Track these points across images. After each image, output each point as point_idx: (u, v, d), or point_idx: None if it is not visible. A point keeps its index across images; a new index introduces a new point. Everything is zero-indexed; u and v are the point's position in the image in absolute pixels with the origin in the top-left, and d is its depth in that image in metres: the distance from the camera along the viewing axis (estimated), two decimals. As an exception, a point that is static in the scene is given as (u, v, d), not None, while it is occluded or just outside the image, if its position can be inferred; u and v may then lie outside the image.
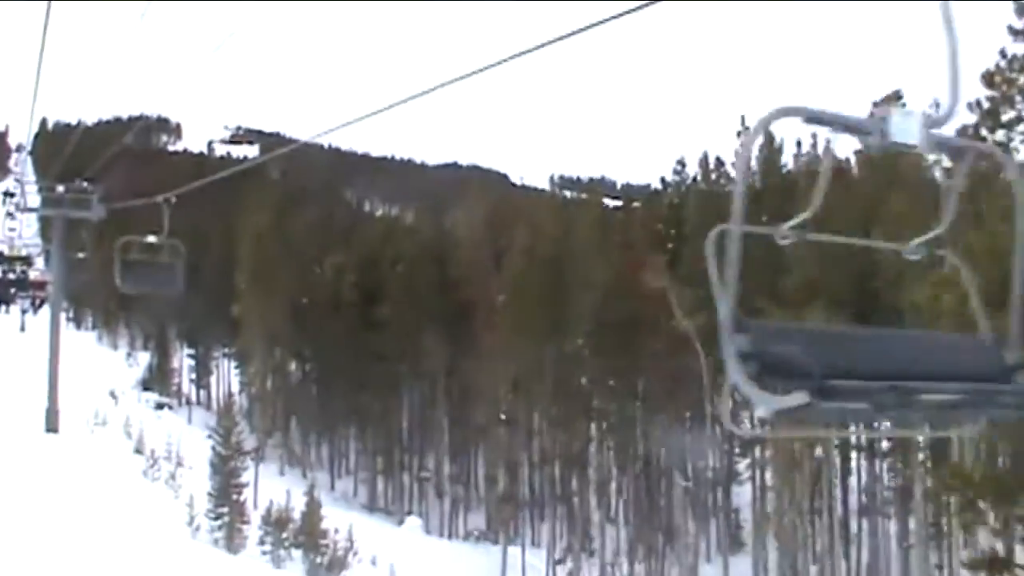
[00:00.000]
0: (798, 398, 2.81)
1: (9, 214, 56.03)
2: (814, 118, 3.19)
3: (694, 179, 55.26)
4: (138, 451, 53.35)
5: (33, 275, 46.66)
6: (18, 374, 62.37)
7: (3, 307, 49.57)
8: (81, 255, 44.59)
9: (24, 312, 50.89)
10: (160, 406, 78.64)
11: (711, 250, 3.26)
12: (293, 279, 69.60)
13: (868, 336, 3.61)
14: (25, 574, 20.13)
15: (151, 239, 16.13)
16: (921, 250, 3.69)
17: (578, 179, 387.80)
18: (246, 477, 34.78)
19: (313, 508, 35.07)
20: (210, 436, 35.69)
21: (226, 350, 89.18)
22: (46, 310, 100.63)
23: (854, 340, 3.44)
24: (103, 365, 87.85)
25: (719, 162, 52.15)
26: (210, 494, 33.72)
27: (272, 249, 69.81)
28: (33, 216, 62.49)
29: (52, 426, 48.16)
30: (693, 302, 37.93)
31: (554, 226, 51.56)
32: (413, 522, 58.55)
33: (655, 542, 45.73)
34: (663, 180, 60.40)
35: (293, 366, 74.86)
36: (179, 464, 52.44)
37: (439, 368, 63.76)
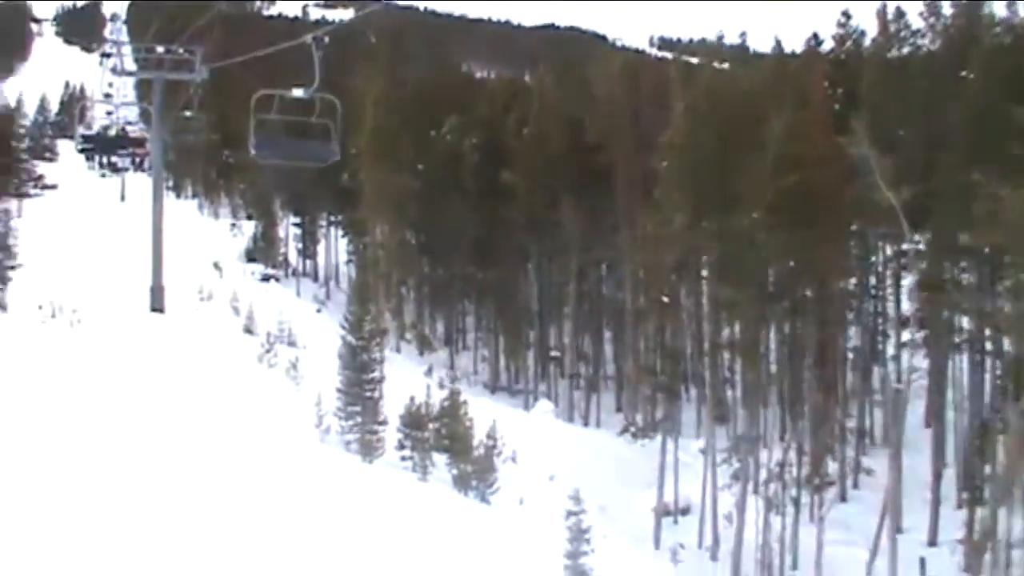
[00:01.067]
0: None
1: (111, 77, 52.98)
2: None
3: (862, 33, 48.70)
4: (248, 330, 49.46)
5: (132, 132, 44.06)
6: (121, 247, 59.93)
7: (105, 164, 46.08)
8: (187, 113, 41.11)
9: (124, 170, 48.40)
10: (266, 278, 74.76)
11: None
12: (408, 144, 64.34)
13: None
14: (143, 478, 18.23)
15: (298, 92, 12.63)
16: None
17: (679, 40, 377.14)
18: (379, 371, 29.82)
19: (456, 404, 30.29)
20: (341, 324, 30.65)
21: (333, 219, 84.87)
22: (146, 178, 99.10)
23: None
24: (206, 236, 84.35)
25: (899, 13, 45.10)
26: (339, 390, 28.94)
27: (384, 112, 64.49)
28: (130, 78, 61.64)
29: (158, 305, 44.67)
30: (895, 171, 32.20)
31: (712, 84, 44.89)
32: (544, 406, 53.87)
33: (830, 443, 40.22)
34: (814, 37, 53.11)
35: (410, 236, 69.95)
36: (292, 345, 48.70)
37: (572, 241, 58.38)
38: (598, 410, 58.93)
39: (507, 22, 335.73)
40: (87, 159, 51.19)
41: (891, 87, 40.99)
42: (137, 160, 46.26)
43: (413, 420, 28.58)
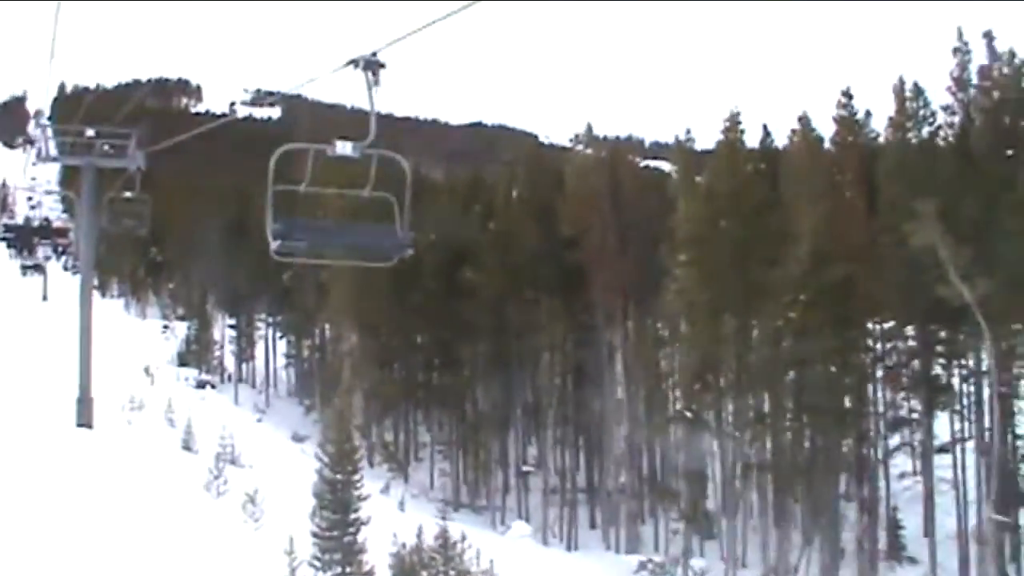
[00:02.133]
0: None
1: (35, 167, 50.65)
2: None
3: (867, 115, 45.07)
4: (187, 447, 44.15)
5: (55, 222, 40.04)
6: (43, 353, 54.95)
7: (25, 253, 47.05)
8: (128, 195, 37.13)
9: (47, 259, 48.62)
10: (202, 384, 69.17)
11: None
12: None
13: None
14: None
15: (344, 149, 10.08)
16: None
17: (604, 138, 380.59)
18: (365, 509, 24.69)
19: (448, 545, 25.22)
20: (317, 456, 25.56)
21: (271, 319, 79.70)
22: (70, 277, 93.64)
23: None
24: (134, 337, 78.31)
25: (917, 90, 41.45)
26: (317, 535, 23.73)
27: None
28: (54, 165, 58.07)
29: (85, 420, 38.93)
30: (969, 261, 28.22)
31: (734, 169, 40.47)
32: (521, 528, 48.60)
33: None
34: (802, 121, 49.66)
35: (355, 338, 64.82)
36: (235, 463, 43.57)
37: (545, 344, 53.77)
38: (575, 528, 53.80)
39: (435, 120, 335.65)
40: (8, 247, 47.55)
41: (925, 172, 37.08)
42: (59, 249, 43.29)
43: (406, 572, 23.44)
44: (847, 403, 36.86)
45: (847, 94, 44.92)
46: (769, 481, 41.74)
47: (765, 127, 50.15)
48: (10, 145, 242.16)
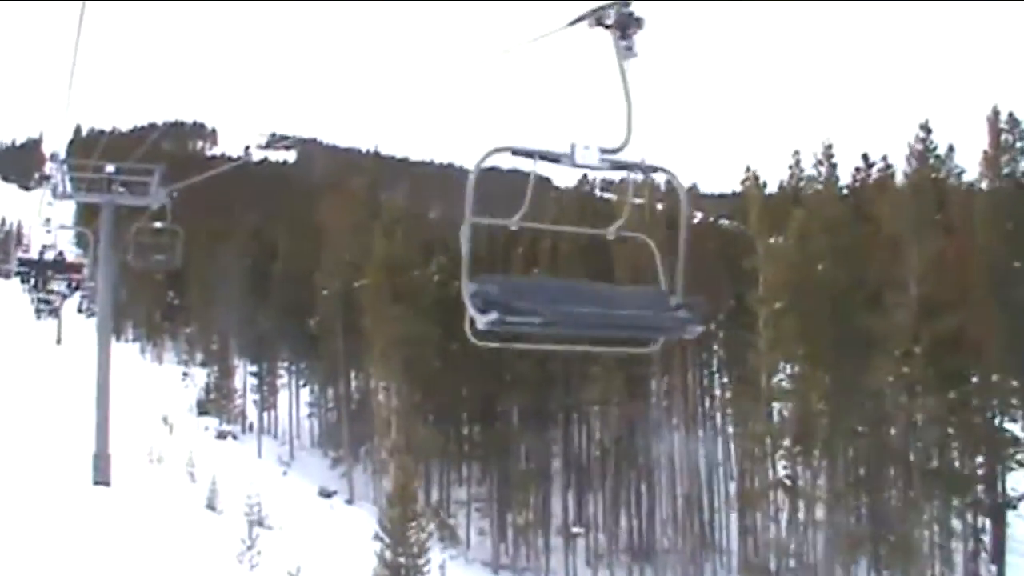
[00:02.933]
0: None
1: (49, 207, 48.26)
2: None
3: (950, 150, 41.52)
4: (211, 506, 40.92)
5: (69, 257, 42.33)
6: (57, 402, 52.22)
7: (39, 287, 44.93)
8: (157, 225, 34.55)
9: (61, 296, 47.07)
10: (223, 435, 65.71)
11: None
12: (391, 287, 56.34)
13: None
14: None
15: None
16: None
17: (611, 183, 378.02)
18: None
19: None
20: (378, 536, 22.04)
21: (293, 367, 76.25)
22: (84, 320, 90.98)
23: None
24: (151, 384, 75.19)
25: (1013, 120, 38.00)
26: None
27: (391, 247, 57.13)
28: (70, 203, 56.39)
29: (102, 477, 35.65)
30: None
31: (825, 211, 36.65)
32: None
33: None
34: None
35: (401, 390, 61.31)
36: (262, 524, 40.51)
37: (594, 396, 50.16)
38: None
39: (450, 164, 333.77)
40: (22, 281, 46.70)
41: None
42: (73, 285, 43.28)
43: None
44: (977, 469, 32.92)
45: (925, 128, 41.60)
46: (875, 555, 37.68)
47: (866, 157, 46.10)
48: (26, 187, 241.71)
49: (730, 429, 51.82)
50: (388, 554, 21.34)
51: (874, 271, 31.62)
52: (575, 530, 52.87)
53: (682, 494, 48.84)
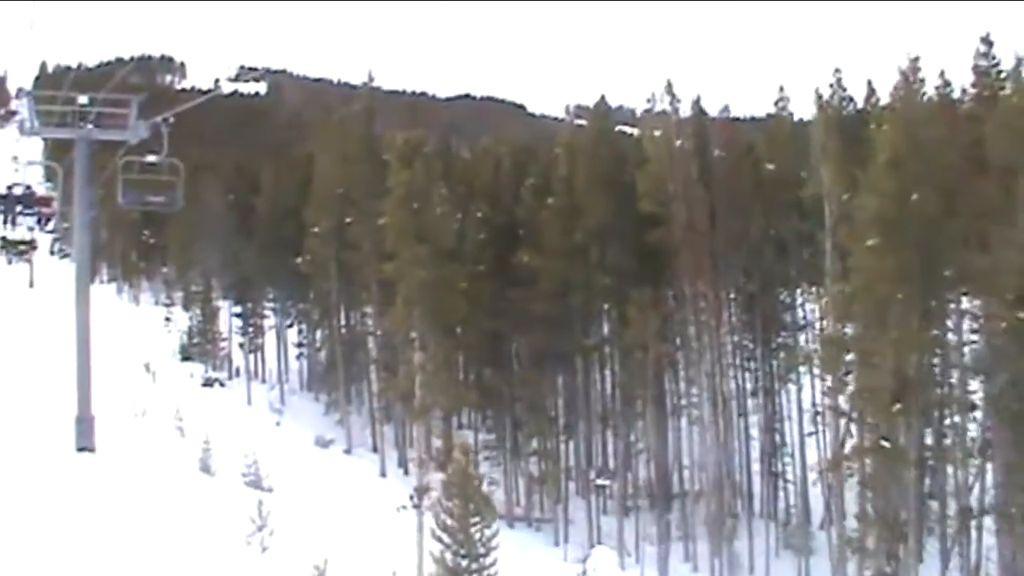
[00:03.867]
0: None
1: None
2: None
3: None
4: (206, 468, 37.48)
5: (39, 192, 41.45)
6: (32, 351, 47.66)
7: (9, 224, 42.93)
8: (151, 158, 30.90)
9: (30, 229, 45.66)
10: (210, 382, 61.94)
11: None
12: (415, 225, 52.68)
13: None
14: None
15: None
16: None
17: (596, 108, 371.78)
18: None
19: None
20: (435, 535, 18.33)
21: (276, 307, 72.20)
22: (57, 261, 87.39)
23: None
24: (128, 327, 70.96)
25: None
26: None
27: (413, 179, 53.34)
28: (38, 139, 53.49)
29: (86, 443, 31.81)
30: None
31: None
32: (605, 555, 41.12)
33: None
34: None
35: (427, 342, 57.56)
36: (260, 486, 37.40)
37: (615, 336, 46.63)
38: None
39: (423, 93, 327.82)
40: None
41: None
42: (42, 220, 41.12)
43: None
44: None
45: (987, 41, 37.92)
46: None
47: (943, 75, 41.82)
48: None
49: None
50: (450, 557, 17.71)
51: (978, 203, 28.00)
52: (600, 481, 49.37)
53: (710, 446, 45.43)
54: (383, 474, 52.77)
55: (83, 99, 32.71)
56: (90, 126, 28.99)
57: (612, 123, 57.19)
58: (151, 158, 21.53)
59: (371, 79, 56.85)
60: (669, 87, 44.76)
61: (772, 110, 50.01)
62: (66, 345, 38.59)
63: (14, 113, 43.33)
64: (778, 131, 47.32)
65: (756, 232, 45.38)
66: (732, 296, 50.26)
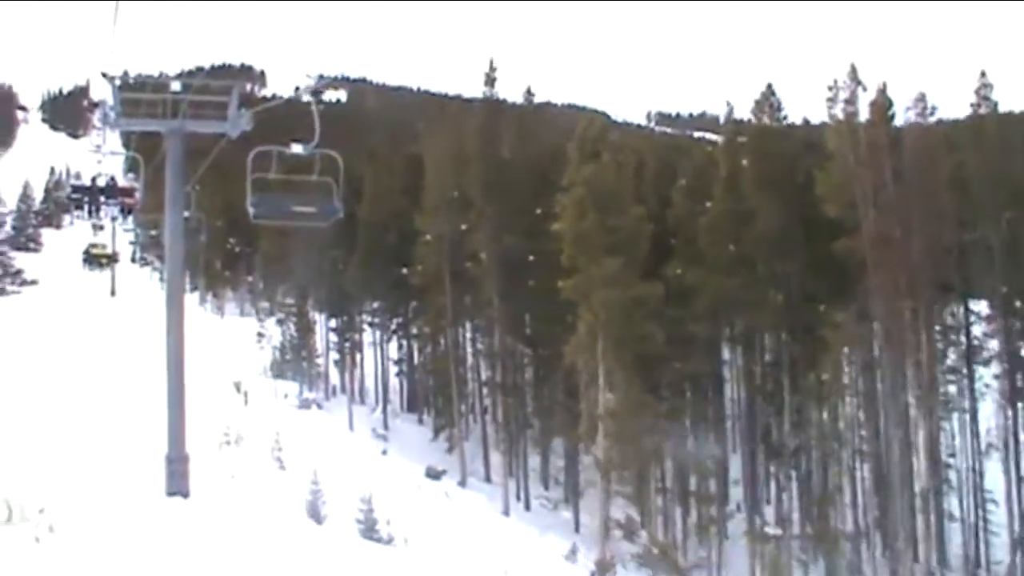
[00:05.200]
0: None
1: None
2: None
3: None
4: (314, 514, 31.81)
5: (121, 183, 37.30)
6: (114, 368, 44.57)
7: (94, 214, 38.81)
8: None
9: (114, 219, 43.94)
10: (307, 404, 56.37)
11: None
12: (511, 225, 46.52)
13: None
14: None
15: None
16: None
17: (678, 115, 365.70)
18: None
19: None
20: None
21: (373, 321, 66.55)
22: (138, 269, 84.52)
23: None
24: (214, 339, 65.78)
25: None
26: None
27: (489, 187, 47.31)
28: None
29: (178, 487, 25.89)
30: None
31: None
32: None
33: None
34: None
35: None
36: (379, 538, 31.91)
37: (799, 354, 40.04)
38: None
39: (504, 100, 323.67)
40: (75, 207, 40.81)
41: None
42: (126, 210, 38.42)
43: None
44: None
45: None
46: None
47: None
48: (74, 136, 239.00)
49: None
50: None
51: None
52: (770, 531, 42.56)
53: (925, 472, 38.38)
54: (505, 512, 46.72)
55: (176, 86, 27.59)
56: (183, 117, 24.53)
57: (692, 130, 50.80)
58: (296, 148, 14.26)
59: (492, 77, 50.20)
60: (853, 72, 38.02)
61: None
62: (151, 361, 34.93)
63: (96, 105, 40.45)
64: (983, 125, 40.31)
65: (953, 239, 38.60)
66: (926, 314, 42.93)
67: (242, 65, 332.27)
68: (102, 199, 36.37)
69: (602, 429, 35.22)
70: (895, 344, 36.84)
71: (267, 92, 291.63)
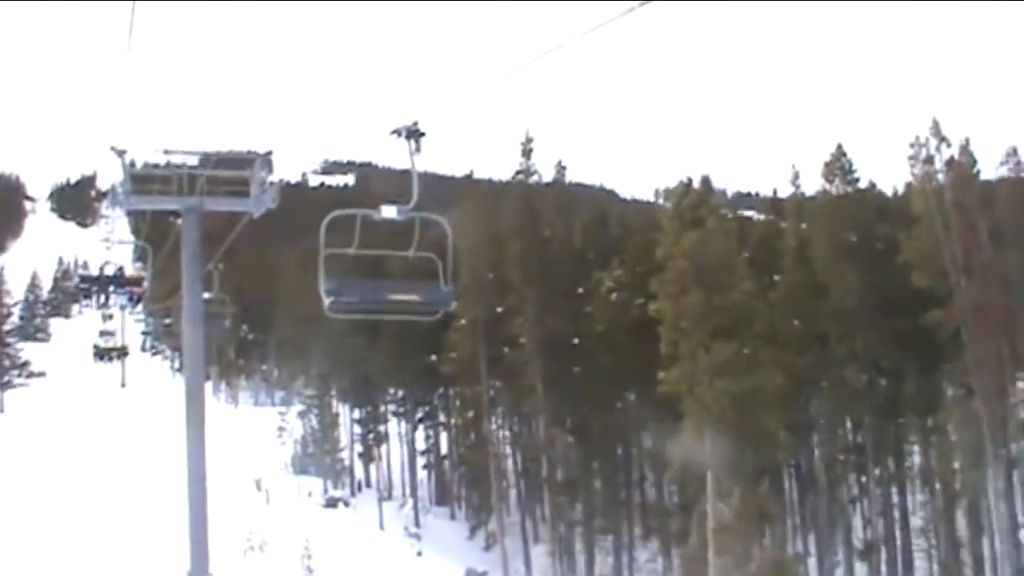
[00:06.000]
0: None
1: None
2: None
3: None
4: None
5: (129, 272, 33.24)
6: (127, 468, 44.26)
7: (103, 304, 33.40)
8: (205, 296, 22.46)
9: (122, 308, 36.77)
10: (332, 502, 52.55)
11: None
12: (553, 306, 42.94)
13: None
14: None
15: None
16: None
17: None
18: None
19: None
20: None
21: (398, 411, 62.61)
22: (148, 359, 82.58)
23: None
24: (229, 431, 61.86)
25: None
26: None
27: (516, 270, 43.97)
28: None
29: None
30: None
31: None
32: None
33: None
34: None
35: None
36: None
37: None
38: None
39: (508, 182, 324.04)
40: (84, 297, 38.36)
41: None
42: (134, 298, 33.66)
43: None
44: None
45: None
46: None
47: None
48: (83, 225, 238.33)
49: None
50: None
51: None
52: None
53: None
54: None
55: (193, 160, 24.94)
56: (200, 194, 22.42)
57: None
58: (388, 212, 12.41)
59: (528, 148, 46.82)
60: (936, 128, 34.51)
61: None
62: (164, 459, 34.01)
63: (104, 195, 41.42)
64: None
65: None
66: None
67: (248, 151, 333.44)
68: (110, 288, 32.89)
69: (712, 549, 30.14)
70: (997, 421, 32.87)
71: (274, 177, 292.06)
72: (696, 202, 32.29)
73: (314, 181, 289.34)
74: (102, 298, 40.54)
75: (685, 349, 31.02)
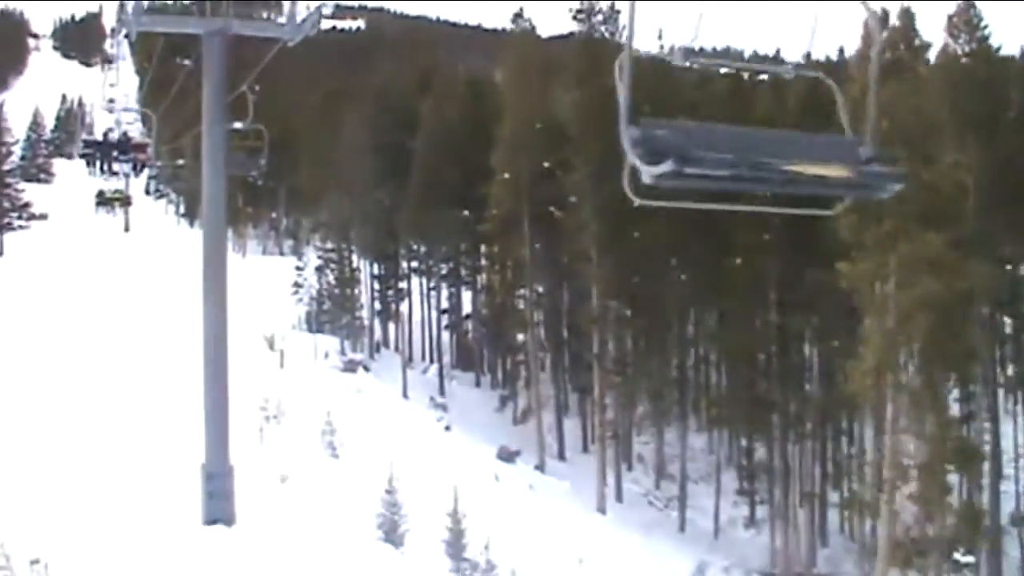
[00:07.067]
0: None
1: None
2: None
3: None
4: (389, 536, 25.54)
5: (134, 137, 37.45)
6: (128, 322, 40.06)
7: (106, 171, 40.13)
8: (236, 125, 19.80)
9: (125, 176, 43.82)
10: (351, 366, 48.55)
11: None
12: (613, 164, 38.40)
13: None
14: None
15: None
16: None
17: (701, 50, 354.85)
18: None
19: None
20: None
21: (420, 267, 58.31)
22: (152, 202, 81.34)
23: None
24: (238, 283, 57.50)
25: None
26: None
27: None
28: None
29: (219, 512, 19.03)
30: None
31: None
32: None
33: None
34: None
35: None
36: (464, 559, 25.34)
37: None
38: None
39: (502, 30, 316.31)
40: (88, 164, 40.74)
41: None
42: (138, 166, 39.21)
43: None
44: None
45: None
46: None
47: None
48: (87, 64, 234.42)
49: None
50: None
51: None
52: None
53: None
54: (602, 510, 38.97)
55: None
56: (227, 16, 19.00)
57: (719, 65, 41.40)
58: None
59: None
60: None
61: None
62: (173, 317, 35.31)
63: (110, 60, 44.74)
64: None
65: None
66: None
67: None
68: (114, 154, 35.77)
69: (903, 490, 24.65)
70: None
71: (282, 20, 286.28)
72: (896, 40, 25.77)
73: (326, 24, 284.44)
74: (106, 165, 38.49)
75: (876, 237, 25.23)
